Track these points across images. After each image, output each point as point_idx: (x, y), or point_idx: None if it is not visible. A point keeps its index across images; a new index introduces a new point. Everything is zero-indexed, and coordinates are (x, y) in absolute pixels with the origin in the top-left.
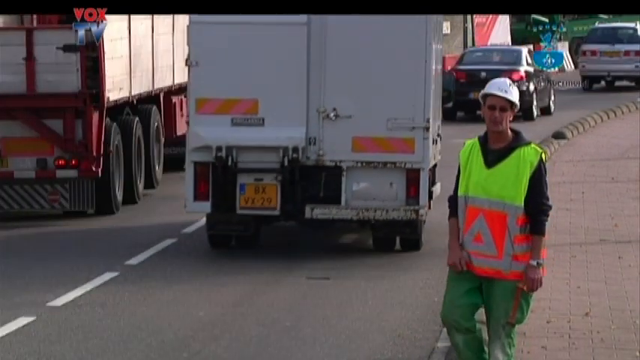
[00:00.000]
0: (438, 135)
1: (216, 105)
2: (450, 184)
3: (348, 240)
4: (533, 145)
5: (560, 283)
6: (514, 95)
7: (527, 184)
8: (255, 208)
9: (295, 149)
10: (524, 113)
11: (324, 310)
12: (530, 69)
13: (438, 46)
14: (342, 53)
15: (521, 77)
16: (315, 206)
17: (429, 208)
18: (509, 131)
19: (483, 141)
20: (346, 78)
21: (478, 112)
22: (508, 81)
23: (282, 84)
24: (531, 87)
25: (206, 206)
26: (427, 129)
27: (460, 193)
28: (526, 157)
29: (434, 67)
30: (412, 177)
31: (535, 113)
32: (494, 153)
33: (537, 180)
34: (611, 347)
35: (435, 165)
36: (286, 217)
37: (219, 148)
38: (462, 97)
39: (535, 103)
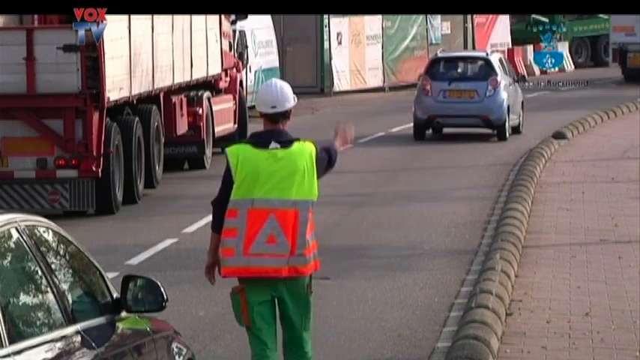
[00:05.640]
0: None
1: None
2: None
3: (348, 240)
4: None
5: (560, 283)
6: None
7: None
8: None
9: None
10: None
11: (324, 310)
12: None
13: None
14: None
15: None
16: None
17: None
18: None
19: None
20: None
21: None
22: (277, 87)
23: None
24: None
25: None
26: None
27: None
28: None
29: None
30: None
31: None
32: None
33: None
34: (611, 347)
35: None
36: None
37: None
38: None
39: None
